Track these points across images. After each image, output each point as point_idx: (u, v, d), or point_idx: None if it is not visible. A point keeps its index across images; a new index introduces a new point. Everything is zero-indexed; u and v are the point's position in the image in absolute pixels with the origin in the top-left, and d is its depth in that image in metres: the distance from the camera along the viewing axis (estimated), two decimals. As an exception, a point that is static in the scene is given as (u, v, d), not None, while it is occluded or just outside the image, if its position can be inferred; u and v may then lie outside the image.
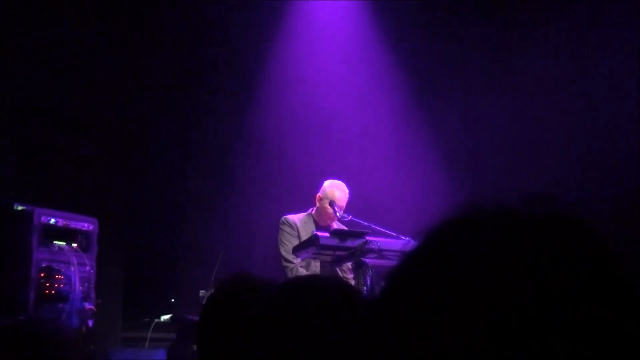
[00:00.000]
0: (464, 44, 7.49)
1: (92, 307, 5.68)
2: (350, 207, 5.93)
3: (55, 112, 6.79)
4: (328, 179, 5.99)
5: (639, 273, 0.85)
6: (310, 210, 5.95)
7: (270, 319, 1.82)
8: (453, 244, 0.82)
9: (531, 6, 7.39)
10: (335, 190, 5.88)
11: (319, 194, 5.92)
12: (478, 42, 7.47)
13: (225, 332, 2.30)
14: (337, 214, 5.81)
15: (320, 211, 5.89)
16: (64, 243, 5.62)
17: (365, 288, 5.25)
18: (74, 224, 5.75)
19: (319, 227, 5.85)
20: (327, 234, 5.48)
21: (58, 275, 5.44)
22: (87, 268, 5.67)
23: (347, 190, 5.93)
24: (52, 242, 5.56)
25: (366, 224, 5.63)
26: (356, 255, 5.38)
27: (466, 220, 0.84)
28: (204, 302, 5.41)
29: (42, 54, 6.60)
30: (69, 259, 5.55)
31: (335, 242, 5.39)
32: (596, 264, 0.81)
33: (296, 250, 5.57)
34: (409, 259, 0.83)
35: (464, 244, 0.81)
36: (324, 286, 1.94)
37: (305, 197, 6.01)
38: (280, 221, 5.88)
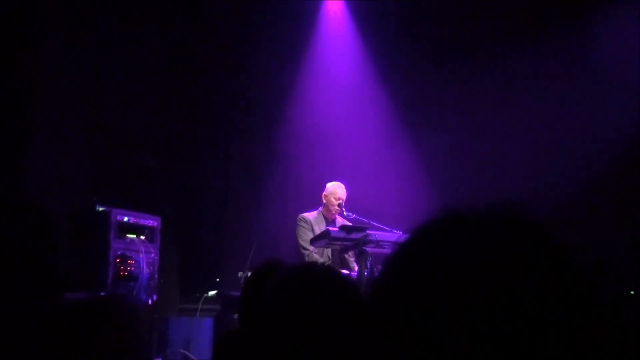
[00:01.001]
0: (443, 75, 7.29)
1: (156, 285, 5.71)
2: (353, 208, 5.86)
3: (125, 133, 6.79)
4: (330, 181, 5.98)
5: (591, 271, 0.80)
6: (319, 208, 5.90)
7: (287, 298, 1.79)
8: (432, 240, 0.80)
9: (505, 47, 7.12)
10: (336, 187, 5.86)
11: (324, 192, 5.90)
12: (457, 79, 7.27)
13: (259, 306, 2.29)
14: (344, 211, 5.80)
15: (327, 206, 5.85)
16: (134, 236, 5.63)
17: (365, 270, 5.26)
18: (142, 221, 5.76)
19: (327, 220, 5.83)
20: (337, 229, 5.51)
21: (130, 261, 5.45)
22: (152, 255, 5.68)
23: (345, 187, 5.90)
24: (125, 235, 5.57)
25: (366, 221, 5.60)
26: (359, 245, 5.37)
27: (442, 221, 0.82)
28: (242, 282, 5.43)
29: (114, 87, 6.58)
30: (138, 248, 5.57)
31: (342, 234, 5.41)
32: (550, 260, 0.78)
33: (313, 241, 5.59)
34: (399, 250, 0.82)
35: (439, 241, 0.79)
36: (323, 273, 1.93)
37: (316, 198, 5.99)
38: (298, 218, 5.84)
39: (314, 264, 2.81)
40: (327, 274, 1.93)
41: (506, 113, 7.04)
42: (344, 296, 1.72)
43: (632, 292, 5.96)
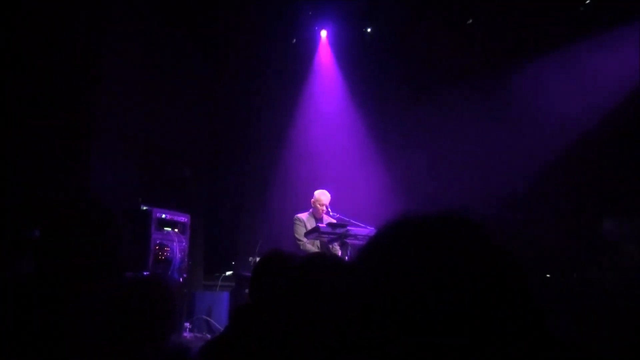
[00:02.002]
0: (410, 106, 7.25)
1: (186, 267, 5.72)
2: (337, 209, 5.78)
3: (168, 151, 6.80)
4: (318, 189, 5.91)
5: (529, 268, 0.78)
6: (310, 209, 5.83)
7: (295, 277, 1.78)
8: (391, 237, 0.79)
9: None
10: (321, 195, 5.79)
11: (313, 199, 5.83)
12: (420, 110, 7.20)
13: (264, 285, 2.31)
14: (329, 211, 5.77)
15: (315, 208, 5.81)
16: (170, 229, 5.66)
17: (346, 257, 5.24)
18: (175, 218, 5.78)
19: (316, 219, 5.75)
20: (324, 225, 5.43)
21: (166, 248, 5.47)
22: (183, 244, 5.70)
23: (329, 194, 5.81)
24: (163, 229, 5.60)
25: (347, 219, 5.54)
26: (341, 238, 5.32)
27: (400, 222, 0.80)
28: (252, 265, 5.41)
29: (161, 115, 6.60)
30: (173, 238, 5.59)
31: (329, 229, 5.34)
32: (486, 253, 0.75)
33: (307, 234, 5.52)
34: (368, 244, 0.81)
35: (396, 237, 0.78)
36: (325, 259, 1.95)
37: (309, 201, 5.99)
38: (294, 217, 5.78)
39: (317, 254, 2.80)
40: (323, 259, 1.95)
41: (456, 137, 7.01)
42: (336, 275, 1.74)
43: (547, 275, 5.96)
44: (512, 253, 0.76)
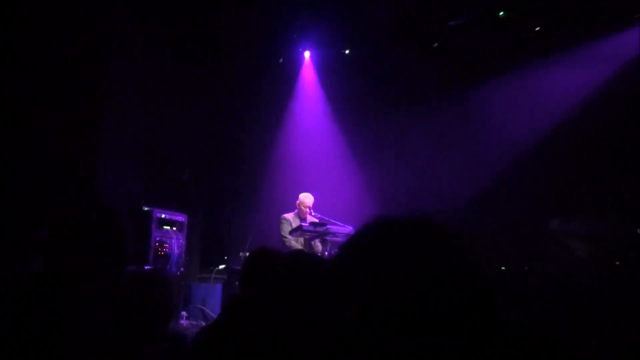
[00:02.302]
0: (383, 118, 7.34)
1: (183, 262, 5.68)
2: (319, 209, 5.83)
3: (170, 156, 6.77)
4: (302, 192, 5.93)
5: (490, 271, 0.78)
6: (296, 210, 5.85)
7: (280, 273, 1.81)
8: (366, 237, 0.79)
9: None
10: (305, 198, 5.80)
11: (298, 201, 5.83)
12: (393, 123, 7.32)
13: (252, 278, 2.33)
14: (312, 212, 5.81)
15: (299, 210, 5.82)
16: (169, 227, 5.60)
17: (326, 253, 5.27)
18: (174, 217, 5.72)
19: (300, 218, 5.75)
20: (307, 224, 5.47)
21: (166, 245, 5.42)
22: (181, 241, 5.64)
23: (312, 197, 5.80)
24: (163, 227, 5.54)
25: (327, 218, 5.57)
26: (322, 236, 5.38)
27: (375, 224, 0.80)
28: (243, 260, 5.42)
29: (164, 123, 6.55)
30: (171, 236, 5.54)
31: (311, 228, 5.38)
32: (450, 253, 0.76)
33: (291, 232, 5.53)
34: (347, 244, 0.81)
35: (371, 238, 0.78)
36: (307, 257, 1.98)
37: (294, 203, 6.01)
38: (281, 217, 5.78)
39: (299, 252, 2.81)
40: (305, 256, 1.97)
41: (423, 147, 7.09)
42: (315, 269, 1.75)
43: (502, 268, 6.03)
44: (472, 252, 0.76)
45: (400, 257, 0.73)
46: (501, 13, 6.45)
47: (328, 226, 5.36)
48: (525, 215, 6.50)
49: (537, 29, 6.55)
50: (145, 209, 5.44)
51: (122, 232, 1.63)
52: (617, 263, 5.63)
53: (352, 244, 0.80)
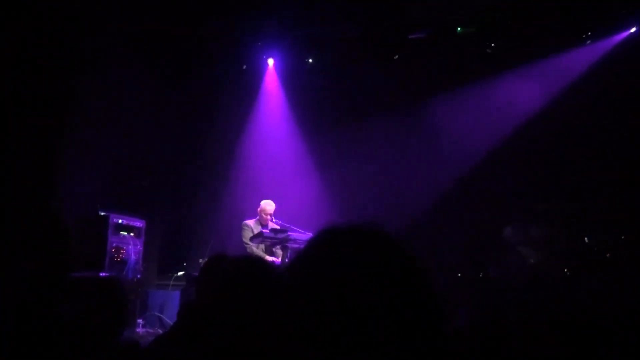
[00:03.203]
0: (342, 128, 7.35)
1: (140, 268, 5.53)
2: (280, 216, 5.81)
3: (130, 162, 6.61)
4: (264, 199, 5.89)
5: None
6: (257, 217, 5.80)
7: (236, 279, 1.79)
8: (319, 244, 0.81)
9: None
10: (266, 205, 5.77)
11: (259, 208, 5.79)
12: (349, 133, 7.33)
13: (208, 284, 2.27)
14: (273, 218, 5.79)
15: (260, 217, 5.77)
16: (126, 233, 5.47)
17: (286, 259, 5.23)
18: (132, 222, 5.61)
19: (262, 225, 5.70)
20: (268, 231, 5.42)
21: (122, 251, 5.28)
22: (138, 247, 5.52)
23: (273, 204, 5.79)
24: (120, 233, 5.41)
25: (288, 225, 5.56)
26: (283, 242, 5.37)
27: (327, 232, 0.82)
28: (201, 267, 5.30)
29: (124, 131, 6.41)
30: (128, 242, 5.41)
31: (272, 235, 5.36)
32: (397, 262, 0.77)
33: (252, 239, 5.49)
34: (305, 249, 0.83)
35: (323, 245, 0.81)
36: (261, 263, 1.94)
37: (255, 209, 5.95)
38: (242, 223, 5.76)
39: (255, 258, 2.76)
40: (258, 262, 1.94)
41: (382, 155, 7.17)
42: (268, 275, 1.73)
43: (459, 274, 6.14)
44: (417, 260, 0.79)
45: (348, 265, 0.75)
46: (459, 29, 6.62)
47: (289, 233, 5.34)
48: (480, 225, 6.66)
49: (492, 45, 6.76)
50: (102, 214, 5.27)
51: (66, 238, 1.55)
52: (566, 270, 5.82)
53: (303, 253, 0.82)
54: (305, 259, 0.81)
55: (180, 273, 6.66)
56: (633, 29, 6.41)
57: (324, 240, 0.81)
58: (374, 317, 0.71)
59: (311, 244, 0.83)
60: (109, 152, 6.21)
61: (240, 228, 5.78)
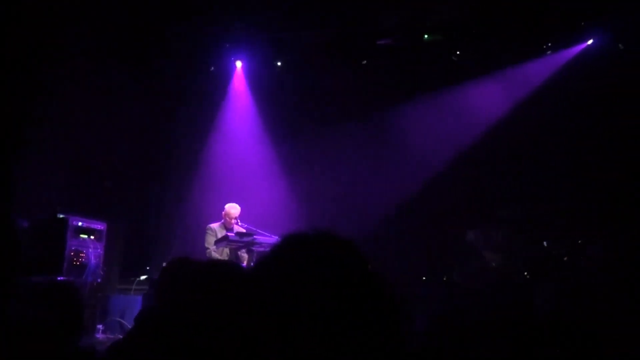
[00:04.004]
0: (309, 134, 7.34)
1: (100, 272, 5.38)
2: (246, 219, 5.73)
3: (92, 164, 6.44)
4: (230, 202, 5.84)
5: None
6: (222, 221, 5.74)
7: (197, 282, 1.77)
8: (281, 250, 0.84)
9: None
10: (231, 208, 5.70)
11: (223, 211, 5.73)
12: (316, 139, 7.34)
13: (169, 288, 2.22)
14: (239, 222, 5.73)
15: (225, 221, 5.71)
16: (86, 236, 5.33)
17: (252, 263, 5.19)
18: (92, 225, 5.46)
19: (227, 228, 5.66)
20: (233, 234, 5.39)
21: (82, 254, 5.14)
22: (99, 251, 5.38)
23: (238, 207, 5.72)
24: (79, 236, 5.27)
25: (254, 229, 5.51)
26: (248, 246, 5.33)
27: (290, 238, 0.85)
28: (162, 270, 5.18)
29: (86, 132, 6.25)
30: (88, 245, 5.27)
31: (237, 238, 5.32)
32: (356, 268, 0.80)
33: (217, 242, 5.43)
34: (268, 255, 0.85)
35: (286, 250, 0.83)
36: (224, 266, 1.90)
37: (220, 212, 5.88)
38: (207, 227, 5.70)
39: (217, 261, 2.72)
40: (224, 266, 1.91)
41: (347, 160, 7.22)
42: (235, 279, 1.71)
43: (423, 278, 6.22)
44: (376, 266, 0.81)
45: (309, 272, 0.78)
46: (426, 36, 6.74)
47: (255, 236, 5.31)
48: (445, 228, 6.78)
49: (458, 53, 6.91)
50: (61, 216, 5.11)
51: (15, 240, 1.49)
52: (526, 273, 5.98)
53: (266, 259, 0.85)
54: (268, 265, 0.82)
55: (143, 277, 6.52)
56: (590, 41, 6.66)
57: (287, 247, 0.83)
58: (331, 322, 0.73)
59: (275, 249, 0.84)
60: (70, 152, 6.05)
61: (204, 232, 5.71)
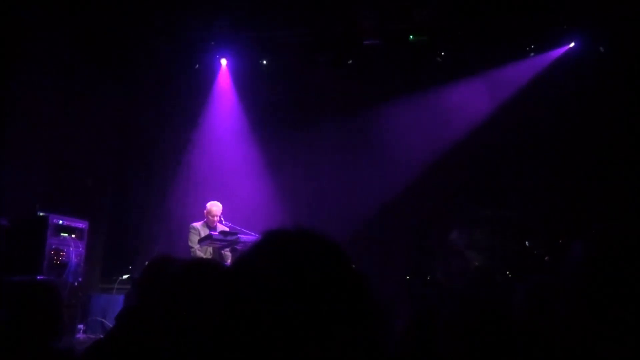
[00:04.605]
0: (292, 132, 7.29)
1: (81, 271, 5.31)
2: (230, 218, 5.72)
3: (74, 162, 6.35)
4: (213, 200, 5.81)
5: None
6: (205, 219, 5.72)
7: (177, 281, 1.77)
8: (261, 246, 0.83)
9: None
10: (212, 207, 5.67)
11: (205, 210, 5.71)
12: (299, 136, 7.28)
13: (149, 286, 2.21)
14: (222, 220, 5.71)
15: (207, 219, 5.67)
16: (67, 234, 5.26)
17: (236, 262, 5.16)
18: (73, 224, 5.40)
19: (210, 227, 5.62)
20: (217, 233, 5.36)
21: (62, 253, 5.07)
22: (80, 249, 5.32)
23: (220, 205, 5.68)
24: (60, 234, 5.19)
25: (238, 227, 5.49)
26: (232, 245, 5.30)
27: (276, 233, 0.84)
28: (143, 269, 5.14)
29: (67, 129, 6.16)
30: (69, 244, 5.20)
31: (221, 237, 5.31)
32: (334, 266, 0.79)
33: (200, 241, 5.40)
34: (249, 249, 0.84)
35: (270, 247, 0.82)
36: (204, 264, 1.90)
37: (203, 212, 5.85)
38: (190, 226, 5.66)
39: (198, 260, 2.70)
40: (206, 264, 1.91)
41: (330, 159, 7.19)
42: (216, 278, 1.70)
43: (407, 277, 6.26)
44: (358, 266, 0.81)
45: (288, 269, 0.77)
46: (411, 37, 6.78)
47: (239, 235, 5.29)
48: (429, 227, 6.83)
49: (442, 54, 6.96)
50: (41, 214, 5.03)
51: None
52: (508, 272, 6.05)
53: (245, 254, 0.84)
54: (247, 261, 0.81)
55: (125, 276, 6.45)
56: (572, 44, 6.77)
57: (267, 243, 0.83)
58: (310, 321, 0.72)
59: (255, 245, 0.83)
60: (50, 150, 5.96)
61: (188, 231, 5.67)
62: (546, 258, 5.98)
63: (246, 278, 0.79)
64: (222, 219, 5.66)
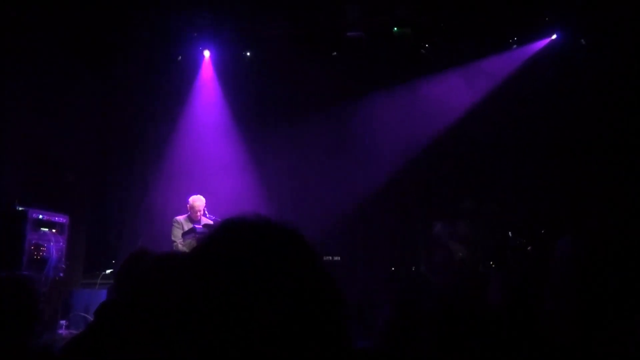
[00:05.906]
0: (276, 125, 7.25)
1: (62, 266, 5.24)
2: (214, 211, 5.70)
3: (55, 156, 6.25)
4: (195, 194, 5.76)
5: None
6: (188, 213, 5.71)
7: (154, 274, 1.75)
8: (220, 234, 0.80)
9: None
10: (195, 200, 5.66)
11: (188, 204, 5.69)
12: (284, 129, 7.26)
13: (128, 280, 2.19)
14: (206, 213, 5.67)
15: (190, 213, 5.65)
16: (47, 229, 5.18)
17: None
18: (54, 218, 5.32)
19: (193, 221, 5.60)
20: (201, 226, 5.35)
21: (42, 248, 4.99)
22: (60, 244, 5.24)
23: (203, 199, 5.67)
24: (40, 229, 5.12)
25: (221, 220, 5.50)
26: (216, 238, 5.29)
27: (232, 222, 0.82)
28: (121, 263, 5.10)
29: (49, 123, 6.06)
30: (49, 239, 5.13)
31: (205, 230, 5.21)
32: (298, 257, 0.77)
33: (184, 235, 5.39)
34: (205, 238, 0.82)
35: (224, 235, 0.80)
36: (181, 257, 1.89)
37: (186, 205, 5.80)
38: (173, 220, 5.65)
39: (174, 252, 2.69)
40: (181, 257, 1.88)
41: (314, 152, 7.18)
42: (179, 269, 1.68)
43: (392, 269, 6.29)
44: (318, 258, 0.78)
45: (239, 258, 0.75)
46: (395, 29, 6.77)
47: (222, 229, 5.23)
48: (413, 219, 6.86)
49: (426, 46, 6.97)
50: (20, 208, 4.94)
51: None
52: (491, 263, 6.12)
53: (201, 244, 0.82)
54: (202, 251, 0.79)
55: (108, 271, 6.37)
56: (554, 36, 6.82)
57: (222, 231, 0.80)
58: (264, 308, 0.70)
59: (211, 234, 0.81)
60: (30, 144, 5.86)
61: (171, 225, 5.63)
62: (529, 248, 6.05)
63: (199, 268, 0.76)
64: (206, 212, 5.64)
